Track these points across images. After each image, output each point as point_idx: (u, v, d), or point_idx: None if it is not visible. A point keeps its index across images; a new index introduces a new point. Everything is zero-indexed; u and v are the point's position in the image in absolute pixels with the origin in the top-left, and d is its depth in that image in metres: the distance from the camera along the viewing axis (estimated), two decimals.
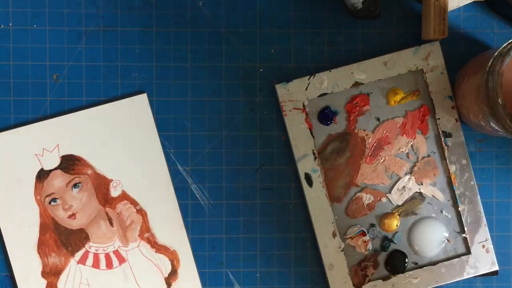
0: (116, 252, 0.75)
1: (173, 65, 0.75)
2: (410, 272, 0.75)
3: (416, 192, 0.76)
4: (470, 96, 0.70)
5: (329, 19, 0.76)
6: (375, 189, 0.75)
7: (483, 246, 0.75)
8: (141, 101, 0.74)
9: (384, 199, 0.76)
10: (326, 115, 0.75)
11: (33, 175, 0.74)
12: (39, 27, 0.74)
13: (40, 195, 0.74)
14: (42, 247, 0.74)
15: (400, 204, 0.76)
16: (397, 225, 0.75)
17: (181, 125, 0.75)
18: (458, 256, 0.75)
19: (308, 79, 0.74)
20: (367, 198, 0.75)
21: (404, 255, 0.75)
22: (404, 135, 0.75)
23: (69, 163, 0.74)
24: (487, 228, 0.75)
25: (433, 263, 0.75)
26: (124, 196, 0.74)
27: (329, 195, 0.75)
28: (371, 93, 0.75)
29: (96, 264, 0.75)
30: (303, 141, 0.74)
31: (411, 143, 0.75)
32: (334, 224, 0.74)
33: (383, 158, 0.75)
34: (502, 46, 0.66)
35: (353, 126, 0.75)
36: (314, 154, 0.74)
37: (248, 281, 0.76)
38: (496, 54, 0.65)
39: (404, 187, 0.75)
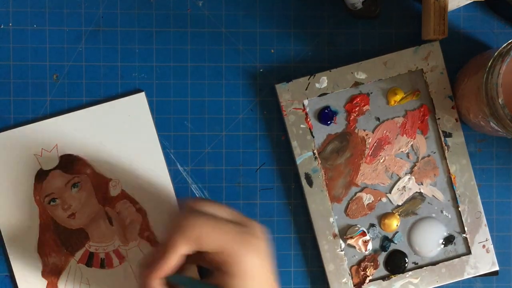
0: (116, 251, 0.75)
1: (173, 65, 0.75)
2: (410, 272, 0.75)
3: (416, 192, 0.76)
4: (470, 96, 0.70)
5: (329, 19, 0.76)
6: (375, 189, 0.75)
7: (483, 246, 0.75)
8: (139, 100, 0.74)
9: (384, 199, 0.75)
10: (326, 115, 0.75)
11: (32, 175, 0.74)
12: (39, 27, 0.75)
13: (39, 195, 0.74)
14: (42, 247, 0.74)
15: (400, 204, 0.76)
16: (397, 225, 0.75)
17: (181, 125, 0.75)
18: (458, 256, 0.75)
19: (308, 79, 0.74)
20: (367, 198, 0.75)
21: (404, 255, 0.75)
22: (404, 135, 0.75)
23: (68, 163, 0.74)
24: (487, 228, 0.75)
25: (433, 263, 0.75)
26: (123, 195, 0.74)
27: (329, 195, 0.75)
28: (371, 93, 0.75)
29: (96, 264, 0.75)
30: (303, 141, 0.74)
31: (411, 143, 0.75)
32: (334, 224, 0.74)
33: (383, 158, 0.75)
34: (502, 46, 0.65)
35: (353, 126, 0.75)
36: (314, 154, 0.74)
37: None
38: (496, 54, 0.65)
39: (404, 187, 0.75)
